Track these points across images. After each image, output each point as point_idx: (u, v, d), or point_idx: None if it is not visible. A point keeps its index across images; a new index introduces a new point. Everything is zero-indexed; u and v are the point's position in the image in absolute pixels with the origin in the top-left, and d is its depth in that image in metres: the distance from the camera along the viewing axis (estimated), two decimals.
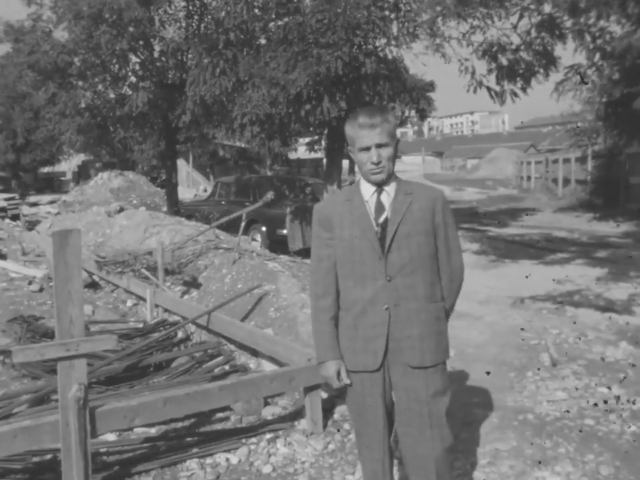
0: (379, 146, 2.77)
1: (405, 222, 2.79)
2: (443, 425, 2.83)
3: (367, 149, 2.79)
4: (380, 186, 2.85)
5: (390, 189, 2.86)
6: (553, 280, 9.78)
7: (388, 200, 2.84)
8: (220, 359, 5.85)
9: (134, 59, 16.34)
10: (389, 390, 2.89)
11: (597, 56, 10.11)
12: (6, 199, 23.10)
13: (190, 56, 15.16)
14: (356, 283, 2.84)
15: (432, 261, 2.85)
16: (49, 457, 4.07)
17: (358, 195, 2.90)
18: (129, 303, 8.35)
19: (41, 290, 8.58)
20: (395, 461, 3.25)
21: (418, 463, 2.84)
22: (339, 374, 2.91)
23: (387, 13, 9.57)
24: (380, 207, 2.84)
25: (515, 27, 10.02)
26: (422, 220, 2.81)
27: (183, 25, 16.69)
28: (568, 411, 4.65)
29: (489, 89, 10.84)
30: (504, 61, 10.48)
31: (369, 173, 2.82)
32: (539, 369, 5.60)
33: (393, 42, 10.09)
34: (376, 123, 2.76)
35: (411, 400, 2.82)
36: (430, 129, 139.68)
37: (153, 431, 4.59)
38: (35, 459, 4.04)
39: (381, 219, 2.82)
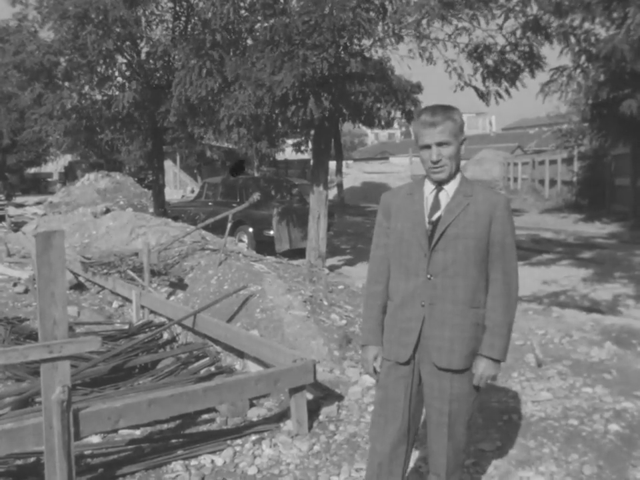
0: (439, 144, 2.78)
1: (456, 223, 2.78)
2: (460, 426, 2.89)
3: (428, 146, 2.81)
4: (440, 184, 2.86)
5: (450, 188, 2.86)
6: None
7: (446, 199, 2.85)
8: (205, 360, 5.84)
9: (120, 59, 16.27)
10: (415, 387, 2.92)
11: (583, 58, 10.16)
12: None
13: (177, 57, 15.13)
14: (401, 275, 2.90)
15: (478, 266, 2.81)
16: (32, 459, 4.05)
17: (420, 190, 2.93)
18: (115, 305, 8.30)
19: (26, 291, 8.53)
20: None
21: (432, 458, 2.97)
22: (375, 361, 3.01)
23: (372, 14, 9.58)
24: (436, 205, 2.86)
25: (500, 27, 10.06)
26: (475, 224, 2.79)
27: (170, 25, 16.64)
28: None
29: (476, 89, 10.88)
30: (490, 62, 10.51)
31: (429, 171, 2.85)
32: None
33: (378, 43, 10.09)
34: (437, 121, 2.76)
35: (434, 398, 2.87)
36: None
37: (137, 432, 4.57)
38: (18, 462, 4.02)
39: (434, 217, 2.84)
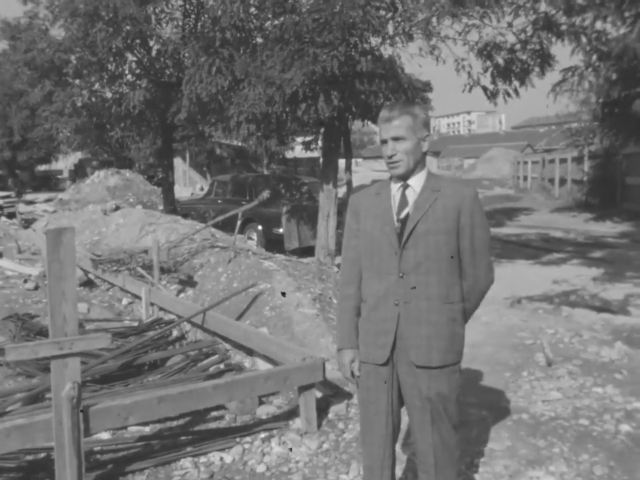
0: (395, 139, 2.77)
1: (425, 219, 2.76)
2: (445, 423, 2.84)
3: (384, 141, 2.81)
4: (405, 180, 2.85)
5: (416, 184, 2.84)
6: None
7: (413, 196, 2.83)
8: (215, 357, 5.85)
9: (130, 57, 16.29)
10: (396, 387, 2.89)
11: (594, 57, 10.11)
12: (2, 197, 23.08)
13: (187, 55, 15.15)
14: (373, 276, 2.87)
15: (451, 261, 2.79)
16: (42, 455, 4.06)
17: (387, 189, 2.92)
18: (125, 302, 8.33)
19: (36, 288, 8.56)
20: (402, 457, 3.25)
21: (420, 457, 2.92)
22: (352, 365, 2.96)
23: (382, 12, 9.56)
24: (403, 202, 2.83)
25: (510, 25, 10.02)
26: (444, 218, 2.76)
27: (180, 23, 16.66)
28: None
29: (484, 88, 10.83)
30: (500, 60, 10.46)
31: (388, 166, 2.85)
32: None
33: (389, 41, 10.07)
34: (393, 116, 2.77)
35: (414, 397, 2.83)
36: None
37: (147, 429, 4.58)
38: (29, 458, 4.04)
39: (402, 215, 2.81)
